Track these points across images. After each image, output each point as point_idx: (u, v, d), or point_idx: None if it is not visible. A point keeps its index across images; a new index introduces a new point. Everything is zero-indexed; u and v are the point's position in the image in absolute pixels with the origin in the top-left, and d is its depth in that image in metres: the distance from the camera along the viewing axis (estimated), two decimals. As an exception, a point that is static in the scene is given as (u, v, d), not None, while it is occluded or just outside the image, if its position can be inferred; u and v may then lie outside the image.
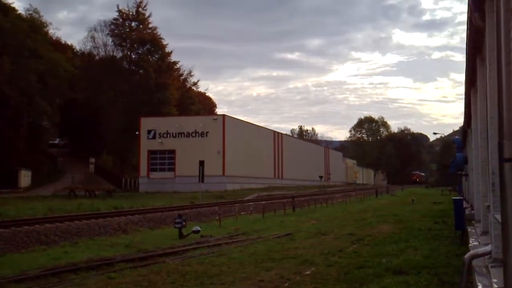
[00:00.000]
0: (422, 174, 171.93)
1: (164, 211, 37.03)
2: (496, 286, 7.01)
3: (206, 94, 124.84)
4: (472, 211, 21.26)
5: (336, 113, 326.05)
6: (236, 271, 14.13)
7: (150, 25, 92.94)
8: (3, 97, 63.74)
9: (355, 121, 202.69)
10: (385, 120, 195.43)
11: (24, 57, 67.65)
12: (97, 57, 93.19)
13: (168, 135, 74.10)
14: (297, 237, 22.70)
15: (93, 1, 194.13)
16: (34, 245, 22.43)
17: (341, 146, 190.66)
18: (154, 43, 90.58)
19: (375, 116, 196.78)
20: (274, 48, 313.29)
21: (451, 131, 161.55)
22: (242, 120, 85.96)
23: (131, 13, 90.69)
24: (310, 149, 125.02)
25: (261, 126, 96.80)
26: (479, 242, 13.10)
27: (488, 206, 10.78)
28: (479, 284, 8.20)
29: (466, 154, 32.87)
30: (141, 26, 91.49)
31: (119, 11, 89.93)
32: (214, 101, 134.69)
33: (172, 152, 73.61)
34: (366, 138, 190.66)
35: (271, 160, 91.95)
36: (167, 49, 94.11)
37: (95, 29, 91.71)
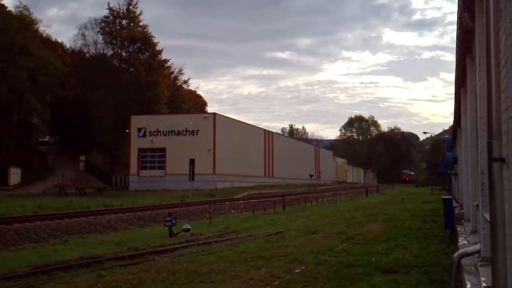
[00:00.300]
0: (412, 173, 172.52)
1: (154, 209, 37.00)
2: (484, 284, 7.05)
3: (197, 93, 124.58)
4: (462, 210, 21.35)
5: (327, 112, 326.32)
6: (226, 269, 14.15)
7: (141, 23, 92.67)
8: (-7, 94, 63.50)
9: (345, 120, 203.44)
10: (375, 119, 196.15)
11: (14, 54, 67.28)
12: (87, 55, 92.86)
13: (159, 133, 73.91)
14: (287, 236, 22.76)
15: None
16: (24, 242, 22.35)
17: (332, 145, 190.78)
18: (144, 41, 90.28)
19: (366, 115, 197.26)
20: (265, 47, 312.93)
21: (441, 130, 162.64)
22: (232, 119, 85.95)
23: (121, 11, 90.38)
24: (301, 147, 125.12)
25: (252, 125, 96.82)
26: (468, 241, 13.17)
27: (477, 205, 10.85)
28: (468, 282, 8.25)
29: (456, 154, 33.02)
30: (131, 24, 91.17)
31: (110, 8, 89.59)
32: (205, 99, 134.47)
33: (163, 150, 73.42)
34: (356, 137, 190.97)
35: (261, 159, 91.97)
36: (158, 47, 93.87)
37: (85, 27, 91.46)
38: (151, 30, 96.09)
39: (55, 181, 65.45)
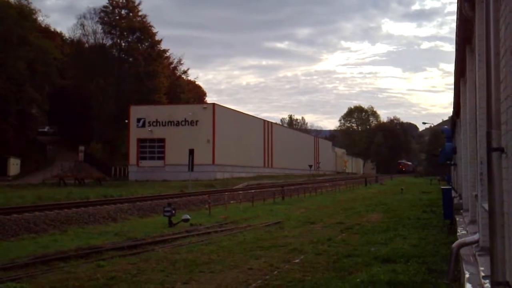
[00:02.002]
0: (409, 163, 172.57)
1: (154, 199, 36.98)
2: (483, 274, 7.07)
3: (196, 83, 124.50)
4: (461, 201, 21.41)
5: (326, 102, 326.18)
6: (225, 259, 14.16)
7: (140, 13, 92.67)
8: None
9: (344, 111, 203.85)
10: (374, 109, 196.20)
11: (12, 44, 67.11)
12: (86, 45, 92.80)
13: (158, 123, 73.82)
14: (286, 226, 22.77)
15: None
16: (23, 233, 22.37)
17: (331, 135, 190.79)
18: (143, 31, 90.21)
19: (365, 105, 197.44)
20: (263, 37, 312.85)
21: (440, 121, 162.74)
22: (232, 109, 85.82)
23: (121, 1, 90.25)
24: (300, 138, 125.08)
25: (251, 115, 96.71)
26: (467, 231, 13.20)
27: (476, 195, 10.86)
28: (466, 272, 8.27)
29: (455, 144, 33.03)
30: (131, 14, 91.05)
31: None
32: (204, 89, 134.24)
33: (162, 140, 73.40)
34: (355, 128, 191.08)
35: (260, 149, 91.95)
36: (157, 37, 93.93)
37: (84, 17, 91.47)
38: (150, 20, 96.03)
39: (55, 172, 65.43)
